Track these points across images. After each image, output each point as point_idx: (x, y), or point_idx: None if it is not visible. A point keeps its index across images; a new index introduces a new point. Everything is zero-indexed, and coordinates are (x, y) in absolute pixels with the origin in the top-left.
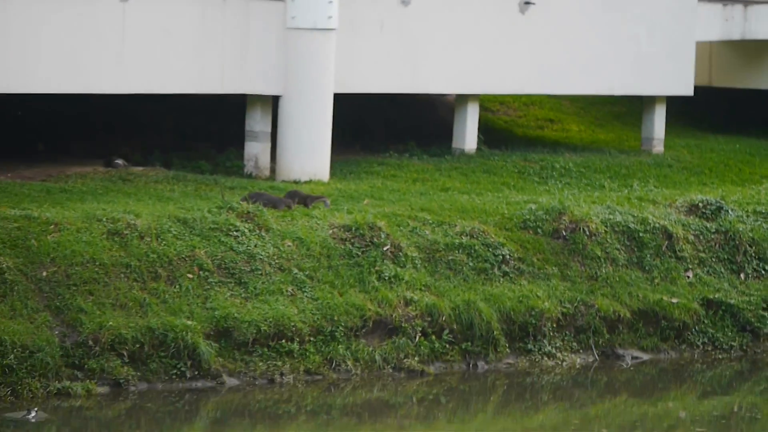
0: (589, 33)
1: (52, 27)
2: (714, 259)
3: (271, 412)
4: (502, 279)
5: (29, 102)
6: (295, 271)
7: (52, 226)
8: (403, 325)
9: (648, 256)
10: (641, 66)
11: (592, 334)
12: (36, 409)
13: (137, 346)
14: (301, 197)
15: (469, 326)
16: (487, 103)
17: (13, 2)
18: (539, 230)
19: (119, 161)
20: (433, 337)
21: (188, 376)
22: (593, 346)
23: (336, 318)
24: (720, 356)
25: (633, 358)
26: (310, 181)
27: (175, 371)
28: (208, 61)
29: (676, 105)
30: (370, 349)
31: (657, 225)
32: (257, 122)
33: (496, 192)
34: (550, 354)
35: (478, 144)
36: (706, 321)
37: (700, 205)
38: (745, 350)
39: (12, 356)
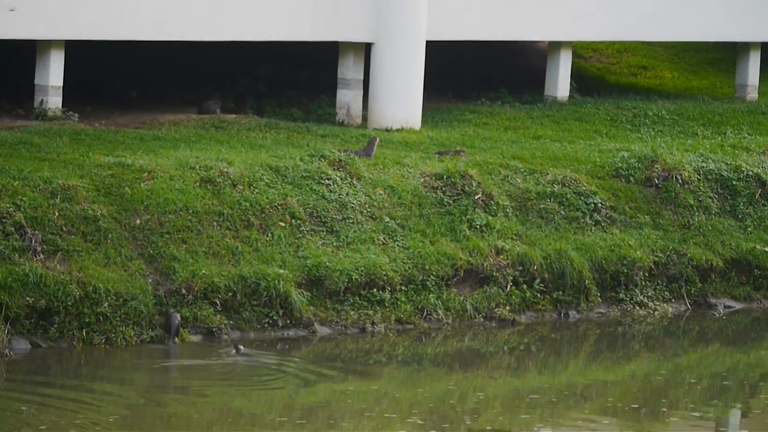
0: None
1: None
2: None
3: (363, 361)
4: (593, 228)
5: (122, 49)
6: (387, 219)
7: (145, 174)
8: (494, 274)
9: (741, 204)
10: (736, 12)
11: (684, 284)
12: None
13: (230, 294)
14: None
15: (560, 275)
16: (580, 50)
17: None
18: (631, 178)
19: None
20: (524, 286)
21: (280, 324)
22: (685, 296)
23: (427, 267)
24: None
25: (725, 307)
26: (401, 129)
27: (267, 320)
28: (300, 7)
29: None
30: (461, 298)
31: (750, 173)
32: (349, 70)
33: (588, 140)
34: (641, 303)
35: (570, 91)
36: None
37: None
38: None
39: (106, 304)
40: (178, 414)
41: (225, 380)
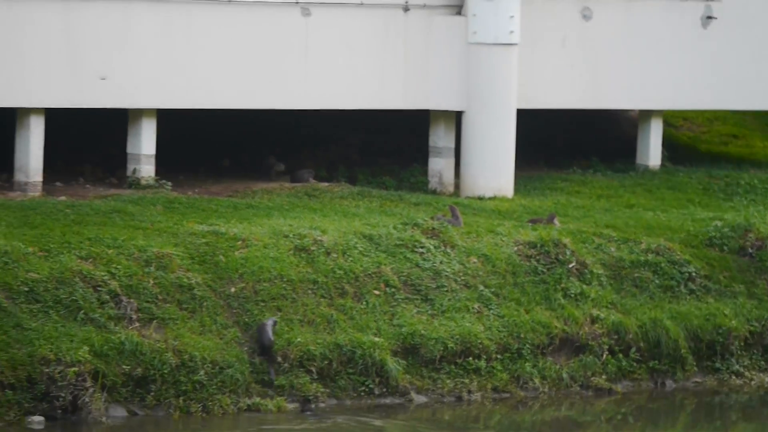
0: None
1: (239, 44)
2: None
3: (461, 430)
4: (688, 297)
5: (214, 118)
6: (481, 288)
7: (239, 242)
8: (589, 342)
9: None
10: None
11: None
12: None
13: (326, 362)
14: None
15: (656, 344)
16: (671, 118)
17: (200, 20)
18: (725, 247)
19: None
20: (620, 355)
21: (376, 393)
22: None
23: (522, 335)
24: None
25: None
26: (494, 197)
27: (363, 388)
28: (391, 76)
29: None
30: (557, 366)
31: None
32: (441, 138)
33: (681, 208)
34: (738, 373)
35: (662, 160)
36: None
37: None
38: None
39: (202, 372)
40: None
41: None
